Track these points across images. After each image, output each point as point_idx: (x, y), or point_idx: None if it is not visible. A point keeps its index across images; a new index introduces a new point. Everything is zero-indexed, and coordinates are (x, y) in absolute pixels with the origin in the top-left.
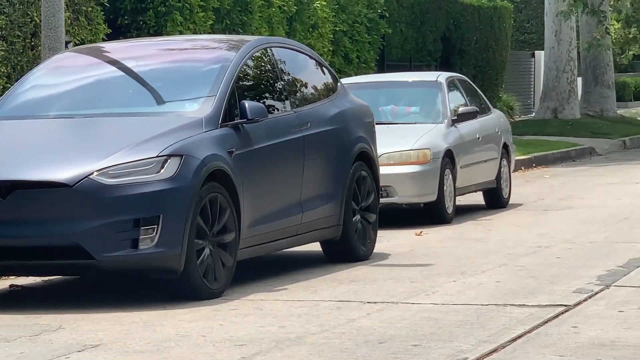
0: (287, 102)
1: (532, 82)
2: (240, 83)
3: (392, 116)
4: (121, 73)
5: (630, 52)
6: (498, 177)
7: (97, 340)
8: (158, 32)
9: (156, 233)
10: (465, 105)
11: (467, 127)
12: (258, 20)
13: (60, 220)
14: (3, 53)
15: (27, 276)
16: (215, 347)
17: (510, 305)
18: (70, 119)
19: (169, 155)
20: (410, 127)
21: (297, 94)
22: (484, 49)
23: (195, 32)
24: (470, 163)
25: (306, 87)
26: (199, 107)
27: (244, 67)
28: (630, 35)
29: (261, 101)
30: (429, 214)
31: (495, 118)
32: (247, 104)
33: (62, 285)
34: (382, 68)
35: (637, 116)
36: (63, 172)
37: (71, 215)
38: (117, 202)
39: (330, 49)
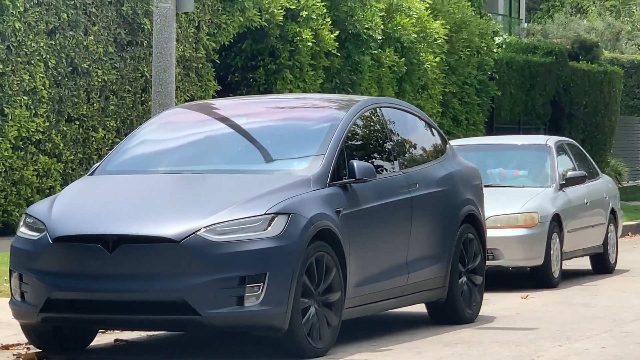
0: (396, 163)
1: None
2: (349, 142)
3: (500, 179)
4: (230, 130)
5: None
6: (605, 242)
7: None
8: (268, 90)
9: (262, 291)
10: (574, 169)
11: (575, 192)
12: (368, 80)
13: (166, 275)
14: (113, 107)
15: (132, 330)
16: None
17: None
18: (179, 174)
19: (277, 213)
20: (518, 190)
21: (406, 155)
22: (593, 114)
23: (305, 91)
24: (578, 228)
25: (415, 148)
26: (307, 165)
27: (353, 126)
28: None
29: (370, 161)
30: (535, 278)
31: (603, 183)
32: (356, 163)
33: (167, 340)
34: (490, 130)
35: None
36: (170, 228)
37: (177, 271)
38: (223, 259)
39: (440, 110)
